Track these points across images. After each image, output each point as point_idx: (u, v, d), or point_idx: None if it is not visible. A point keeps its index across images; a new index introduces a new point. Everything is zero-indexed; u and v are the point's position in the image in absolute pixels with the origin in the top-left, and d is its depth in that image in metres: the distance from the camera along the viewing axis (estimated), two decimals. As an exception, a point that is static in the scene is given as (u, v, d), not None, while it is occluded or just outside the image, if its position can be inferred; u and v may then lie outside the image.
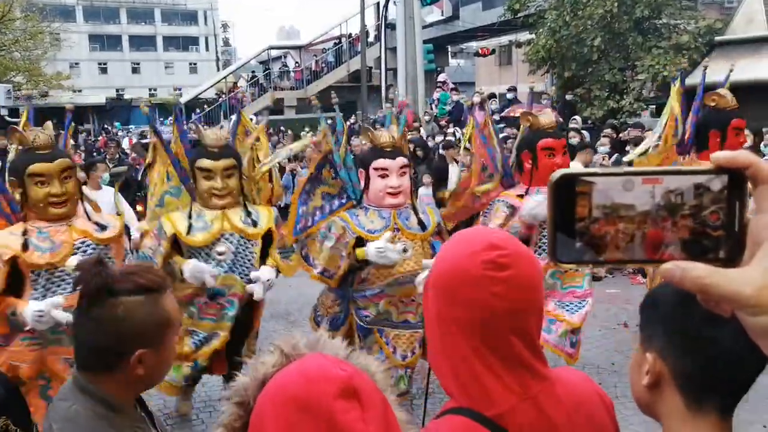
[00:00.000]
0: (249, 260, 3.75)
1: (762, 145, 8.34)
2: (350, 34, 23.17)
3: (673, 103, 4.45)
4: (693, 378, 0.95)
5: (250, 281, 3.72)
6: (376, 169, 3.64)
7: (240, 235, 3.71)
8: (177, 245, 3.72)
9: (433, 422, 1.11)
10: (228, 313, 3.73)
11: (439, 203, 5.92)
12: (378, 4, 21.32)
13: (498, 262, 1.04)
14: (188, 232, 3.64)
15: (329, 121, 4.46)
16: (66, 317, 2.85)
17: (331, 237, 3.61)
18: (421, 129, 12.24)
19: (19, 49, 23.16)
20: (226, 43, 53.00)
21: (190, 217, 3.68)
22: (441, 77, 16.86)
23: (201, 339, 3.75)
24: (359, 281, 3.70)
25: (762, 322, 0.50)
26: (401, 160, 3.67)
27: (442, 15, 21.92)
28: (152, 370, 1.42)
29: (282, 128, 16.39)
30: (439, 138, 10.76)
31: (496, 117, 11.39)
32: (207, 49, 48.36)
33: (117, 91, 38.59)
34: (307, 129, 5.50)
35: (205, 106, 23.65)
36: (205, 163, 3.66)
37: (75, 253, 3.06)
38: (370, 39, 21.69)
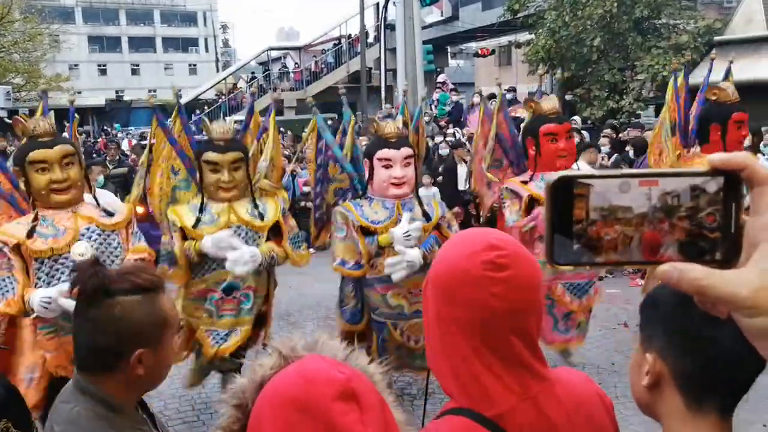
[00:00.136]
0: None
1: (761, 144, 8.34)
2: (350, 34, 23.20)
3: (668, 96, 4.53)
4: (693, 378, 0.95)
5: (259, 273, 3.71)
6: (380, 159, 3.63)
7: (247, 227, 3.70)
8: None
9: (433, 423, 1.11)
10: (245, 306, 3.72)
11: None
12: (377, 4, 21.31)
13: (497, 262, 1.04)
14: (195, 225, 3.63)
15: (330, 122, 4.49)
16: (72, 305, 2.84)
17: (342, 228, 3.65)
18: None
19: (18, 50, 23.10)
20: (226, 44, 53.07)
21: (201, 210, 3.66)
22: (440, 78, 16.87)
23: (222, 336, 3.73)
24: (370, 267, 3.71)
25: (758, 323, 0.50)
26: (406, 151, 3.65)
27: (442, 15, 21.98)
28: (152, 370, 1.42)
29: (282, 129, 16.37)
30: (438, 138, 10.74)
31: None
32: (206, 50, 48.35)
33: (116, 92, 38.64)
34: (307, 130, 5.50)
35: (205, 107, 23.66)
36: (211, 156, 3.63)
37: (80, 239, 3.05)
38: (370, 40, 21.72)
